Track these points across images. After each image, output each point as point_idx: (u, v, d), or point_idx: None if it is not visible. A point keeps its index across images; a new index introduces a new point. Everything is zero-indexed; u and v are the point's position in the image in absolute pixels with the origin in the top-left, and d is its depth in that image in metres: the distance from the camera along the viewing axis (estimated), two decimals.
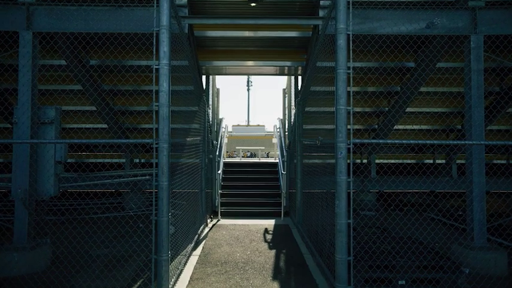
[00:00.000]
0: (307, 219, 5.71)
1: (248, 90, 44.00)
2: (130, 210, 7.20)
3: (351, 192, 3.18)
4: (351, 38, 3.19)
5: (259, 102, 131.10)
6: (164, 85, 3.15)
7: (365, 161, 8.95)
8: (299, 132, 6.45)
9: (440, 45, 5.24)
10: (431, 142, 3.55)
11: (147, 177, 6.64)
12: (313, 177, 5.29)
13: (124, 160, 7.91)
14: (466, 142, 3.62)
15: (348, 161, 3.17)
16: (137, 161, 8.12)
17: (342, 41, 3.15)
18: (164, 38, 3.16)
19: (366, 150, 8.46)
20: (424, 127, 8.15)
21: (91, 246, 4.84)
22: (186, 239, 4.64)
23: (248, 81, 43.96)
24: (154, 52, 3.21)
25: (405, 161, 8.88)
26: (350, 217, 3.14)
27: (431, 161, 9.15)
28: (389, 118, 6.74)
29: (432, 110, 7.47)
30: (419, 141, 3.64)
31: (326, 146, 4.37)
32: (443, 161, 8.87)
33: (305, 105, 6.43)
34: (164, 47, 3.16)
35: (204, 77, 8.04)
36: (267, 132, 27.52)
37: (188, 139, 5.09)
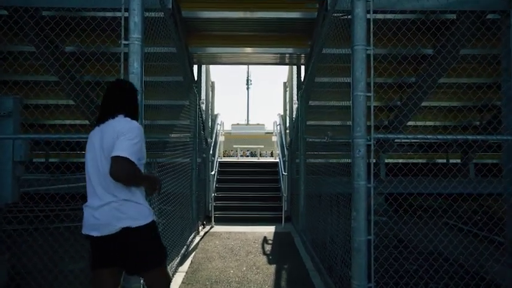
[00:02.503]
0: (312, 226, 5.12)
1: (248, 88, 43.54)
2: None
3: (372, 201, 2.58)
4: (371, 7, 2.59)
5: (259, 99, 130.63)
6: (135, 66, 2.53)
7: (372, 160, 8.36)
8: (302, 128, 5.84)
9: (465, 26, 4.65)
10: (464, 137, 2.95)
11: None
12: (318, 180, 4.71)
13: None
14: (509, 138, 3.03)
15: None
16: None
17: (359, 10, 2.53)
18: (135, 5, 2.54)
19: (373, 148, 7.87)
20: (438, 123, 7.58)
21: (62, 259, 4.23)
22: (171, 252, 4.04)
23: (248, 80, 43.45)
24: (122, 23, 2.60)
25: (415, 161, 8.32)
26: (371, 232, 2.54)
27: (444, 161, 8.59)
28: (405, 113, 6.14)
29: (449, 104, 6.88)
30: (449, 137, 3.07)
31: (335, 144, 3.78)
32: (458, 161, 8.30)
33: (309, 98, 5.83)
34: (135, 17, 2.53)
35: (195, 67, 7.40)
36: (267, 131, 27.22)
37: (173, 136, 4.48)
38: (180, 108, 5.06)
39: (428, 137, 2.84)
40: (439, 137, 2.97)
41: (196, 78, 7.20)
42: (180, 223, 4.99)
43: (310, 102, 5.76)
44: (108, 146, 1.85)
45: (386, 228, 3.96)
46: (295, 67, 7.97)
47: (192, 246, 5.13)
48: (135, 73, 2.53)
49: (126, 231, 1.85)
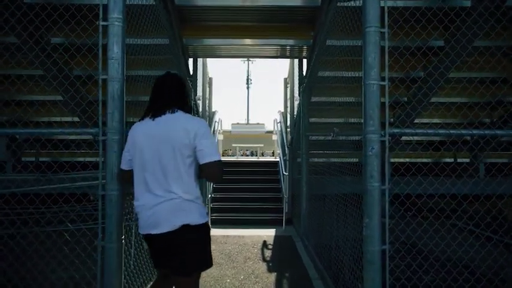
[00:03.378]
0: (316, 230, 4.82)
1: (248, 88, 43.58)
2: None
3: (387, 206, 2.28)
4: None
5: (259, 98, 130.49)
6: (115, 50, 2.22)
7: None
8: (304, 125, 5.54)
9: (483, 17, 4.33)
10: (493, 133, 2.65)
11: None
12: (323, 180, 4.41)
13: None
14: None
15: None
16: None
17: None
18: None
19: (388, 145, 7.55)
20: (448, 121, 7.26)
21: (47, 265, 3.91)
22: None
23: (248, 79, 43.60)
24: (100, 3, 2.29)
25: (424, 160, 8.01)
26: (386, 241, 2.24)
27: (452, 160, 8.29)
28: (415, 108, 5.82)
29: (459, 100, 6.56)
30: (475, 132, 2.75)
31: (343, 141, 3.49)
32: (467, 160, 7.99)
33: (311, 93, 5.53)
34: None
35: (191, 61, 7.05)
36: (267, 130, 27.26)
37: None
38: None
39: (452, 132, 2.52)
40: (463, 131, 2.68)
41: (191, 73, 6.88)
42: None
43: (312, 98, 5.46)
44: (180, 143, 1.85)
45: (397, 231, 3.65)
46: (296, 61, 7.62)
47: None
48: (115, 58, 2.22)
49: (186, 228, 1.84)
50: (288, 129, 9.15)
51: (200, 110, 7.79)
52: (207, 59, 8.60)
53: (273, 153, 20.86)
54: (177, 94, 2.01)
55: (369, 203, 2.20)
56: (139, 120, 2.04)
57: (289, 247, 5.22)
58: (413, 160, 7.96)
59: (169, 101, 1.97)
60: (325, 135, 3.80)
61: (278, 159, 9.49)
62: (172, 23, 4.78)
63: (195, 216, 1.87)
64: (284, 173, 6.89)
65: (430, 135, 2.62)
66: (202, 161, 1.86)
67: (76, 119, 6.28)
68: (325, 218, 4.25)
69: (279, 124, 9.31)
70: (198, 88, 7.18)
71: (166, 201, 1.83)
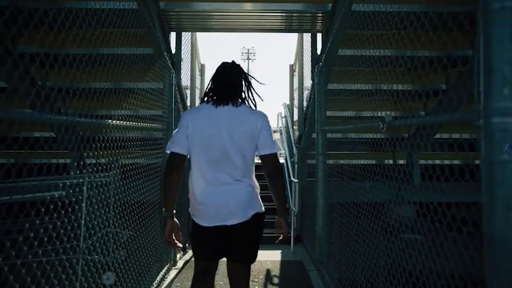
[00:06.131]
0: (342, 258, 3.68)
1: None
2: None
3: None
4: None
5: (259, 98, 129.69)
6: None
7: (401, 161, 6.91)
8: (320, 118, 4.35)
9: None
10: None
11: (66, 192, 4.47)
12: (354, 189, 3.33)
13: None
14: None
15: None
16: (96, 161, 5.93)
17: None
18: None
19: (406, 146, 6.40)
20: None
21: None
22: None
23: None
24: None
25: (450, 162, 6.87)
26: None
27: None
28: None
29: None
30: None
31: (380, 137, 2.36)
32: None
33: (330, 77, 4.37)
34: None
35: (173, 35, 5.78)
36: None
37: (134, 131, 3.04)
38: (145, 92, 3.62)
39: None
40: None
41: (175, 51, 5.63)
42: (145, 255, 3.57)
43: (328, 85, 4.30)
44: (244, 135, 1.95)
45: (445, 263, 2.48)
46: (307, 37, 6.29)
47: None
48: None
49: (255, 216, 2.03)
50: (295, 127, 7.96)
51: (188, 103, 6.60)
52: (197, 40, 7.33)
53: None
54: (238, 85, 2.07)
55: None
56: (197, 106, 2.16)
57: (301, 280, 4.04)
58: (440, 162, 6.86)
59: (233, 92, 2.03)
60: (371, 126, 2.58)
61: (283, 162, 8.31)
62: None
63: (260, 204, 2.10)
64: (293, 179, 5.65)
65: None
66: (263, 152, 2.01)
67: None
68: (359, 245, 3.15)
69: (284, 119, 8.08)
70: (182, 75, 5.90)
71: (236, 191, 1.96)
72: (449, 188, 1.99)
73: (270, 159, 1.99)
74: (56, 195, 3.09)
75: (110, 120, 2.44)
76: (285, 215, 2.16)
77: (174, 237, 2.01)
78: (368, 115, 4.52)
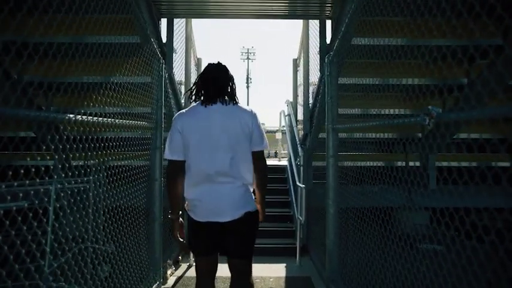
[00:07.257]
0: (359, 276, 3.19)
1: (248, 87, 43.94)
2: None
3: None
4: None
5: (259, 97, 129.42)
6: None
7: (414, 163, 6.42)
8: (331, 115, 3.84)
9: None
10: None
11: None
12: (374, 197, 2.87)
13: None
14: None
15: None
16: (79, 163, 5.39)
17: None
18: None
19: (423, 147, 5.90)
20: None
21: None
22: None
23: (248, 78, 44.14)
24: None
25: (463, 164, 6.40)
26: None
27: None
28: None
29: None
30: None
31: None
32: None
33: (342, 70, 3.87)
34: None
35: (164, 22, 5.22)
36: (267, 130, 26.89)
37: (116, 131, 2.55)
38: (132, 87, 3.14)
39: None
40: None
41: (165, 40, 5.10)
42: (131, 270, 3.10)
43: (340, 78, 3.79)
44: (237, 133, 2.06)
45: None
46: (314, 25, 5.73)
47: None
48: None
49: (248, 214, 2.08)
50: (300, 126, 7.45)
51: (182, 100, 6.07)
52: (193, 32, 6.77)
53: (275, 153, 19.41)
54: (226, 84, 2.17)
55: None
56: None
57: None
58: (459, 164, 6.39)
59: (221, 91, 2.13)
60: (414, 120, 2.05)
61: (286, 164, 7.80)
62: None
63: (253, 204, 2.15)
64: (298, 184, 5.12)
65: None
66: (254, 149, 2.14)
67: None
68: (380, 261, 2.68)
69: (287, 117, 7.55)
70: (175, 68, 5.36)
71: (230, 190, 2.04)
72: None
73: (260, 155, 2.16)
74: (26, 205, 2.58)
75: (71, 115, 1.93)
76: (263, 203, 2.25)
77: (178, 235, 2.19)
78: (389, 112, 4.03)
